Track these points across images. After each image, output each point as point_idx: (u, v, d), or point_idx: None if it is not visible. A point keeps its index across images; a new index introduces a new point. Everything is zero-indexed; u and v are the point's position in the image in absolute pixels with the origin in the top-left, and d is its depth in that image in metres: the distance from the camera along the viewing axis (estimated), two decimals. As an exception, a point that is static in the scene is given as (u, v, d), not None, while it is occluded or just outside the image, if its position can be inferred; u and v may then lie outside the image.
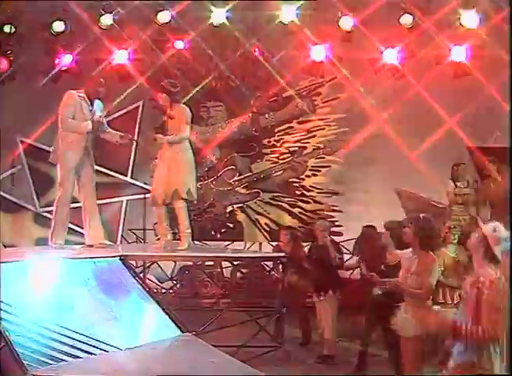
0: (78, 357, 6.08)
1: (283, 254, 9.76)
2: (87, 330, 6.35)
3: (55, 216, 8.64)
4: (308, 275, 9.84)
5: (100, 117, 8.65)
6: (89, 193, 8.74)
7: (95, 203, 8.86)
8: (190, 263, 12.79)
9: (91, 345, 6.25)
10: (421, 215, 6.84)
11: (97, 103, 8.66)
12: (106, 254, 8.12)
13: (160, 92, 8.93)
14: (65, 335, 6.13)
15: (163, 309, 7.63)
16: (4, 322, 5.81)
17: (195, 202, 9.44)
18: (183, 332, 7.41)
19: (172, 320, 7.53)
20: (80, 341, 6.18)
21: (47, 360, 5.81)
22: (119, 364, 6.10)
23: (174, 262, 12.79)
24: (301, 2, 12.19)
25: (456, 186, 11.73)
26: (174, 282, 13.16)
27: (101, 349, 6.31)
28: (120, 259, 7.92)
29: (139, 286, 7.82)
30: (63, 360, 5.92)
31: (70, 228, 8.89)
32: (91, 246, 8.62)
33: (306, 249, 10.36)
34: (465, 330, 4.98)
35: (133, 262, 8.66)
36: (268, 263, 11.78)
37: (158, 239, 9.89)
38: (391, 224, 8.35)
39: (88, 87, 8.67)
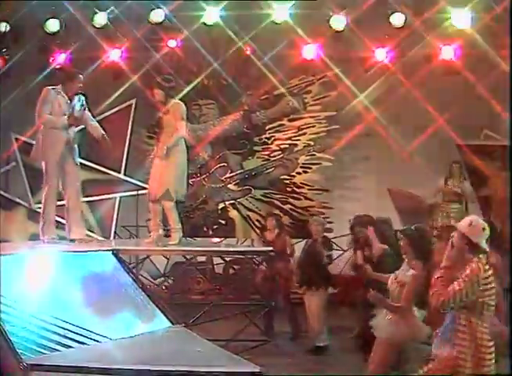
0: (71, 347, 6.23)
1: (271, 248, 9.85)
2: (80, 322, 6.47)
3: (44, 212, 8.71)
4: (289, 263, 10.01)
5: (80, 111, 8.70)
6: (74, 192, 8.76)
7: (79, 201, 8.95)
8: (183, 260, 12.86)
9: (83, 336, 6.39)
10: (413, 226, 6.80)
11: (78, 97, 8.63)
12: (99, 248, 8.24)
13: (156, 88, 8.98)
14: (58, 326, 6.27)
15: (155, 303, 7.72)
16: None
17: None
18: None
19: (164, 314, 7.61)
20: (73, 332, 6.32)
21: (40, 350, 5.96)
22: (109, 353, 6.20)
23: (167, 258, 12.91)
24: (293, 2, 12.29)
25: (446, 183, 11.89)
26: (167, 278, 13.24)
27: (93, 340, 6.45)
28: (113, 253, 8.04)
29: (131, 279, 7.93)
30: (55, 350, 6.07)
31: (61, 223, 8.98)
32: (80, 239, 8.71)
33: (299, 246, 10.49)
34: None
35: (126, 259, 8.75)
36: (259, 259, 11.87)
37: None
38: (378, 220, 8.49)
39: (68, 83, 8.64)
